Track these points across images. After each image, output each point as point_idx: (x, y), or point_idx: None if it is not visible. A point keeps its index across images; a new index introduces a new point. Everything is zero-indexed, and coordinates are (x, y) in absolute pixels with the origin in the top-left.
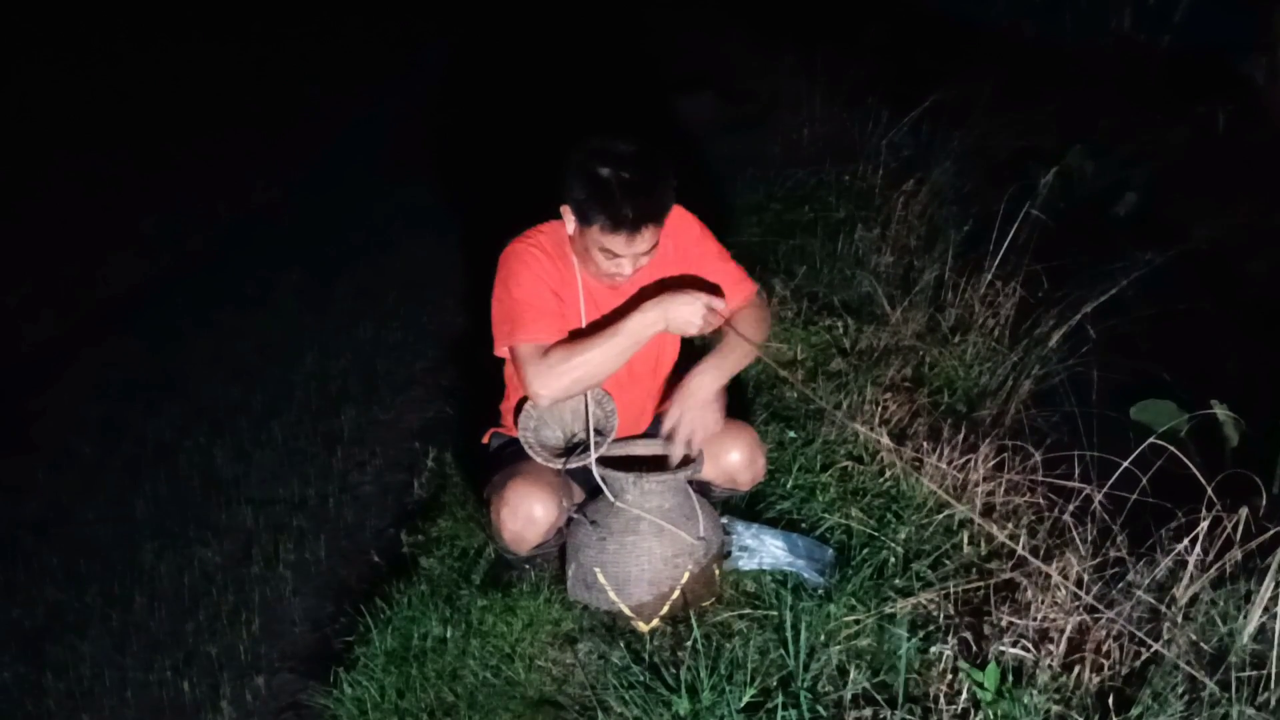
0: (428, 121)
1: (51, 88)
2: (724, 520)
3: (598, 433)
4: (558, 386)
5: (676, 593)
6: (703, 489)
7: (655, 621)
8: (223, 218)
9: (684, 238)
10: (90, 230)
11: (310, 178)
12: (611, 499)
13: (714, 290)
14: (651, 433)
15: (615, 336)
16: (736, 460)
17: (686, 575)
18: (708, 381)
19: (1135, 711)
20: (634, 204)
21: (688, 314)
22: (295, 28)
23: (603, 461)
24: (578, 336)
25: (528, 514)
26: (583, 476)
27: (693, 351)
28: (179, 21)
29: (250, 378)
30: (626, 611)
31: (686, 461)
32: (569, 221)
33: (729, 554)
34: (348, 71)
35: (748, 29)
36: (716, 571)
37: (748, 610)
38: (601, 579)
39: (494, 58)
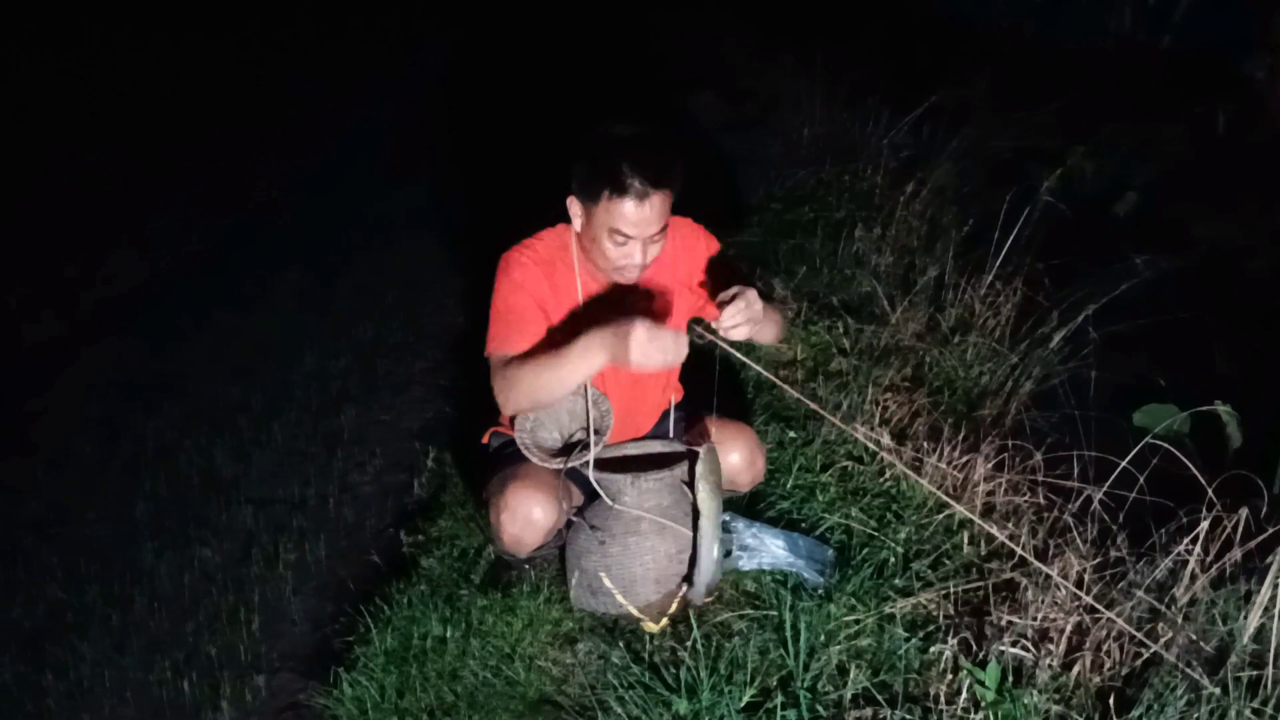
0: (428, 121)
1: (51, 88)
2: (725, 518)
3: (595, 433)
4: (514, 399)
5: (683, 589)
6: None
7: (664, 621)
8: (223, 218)
9: (689, 242)
10: (90, 230)
11: (310, 178)
12: (610, 502)
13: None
14: (649, 435)
15: (558, 359)
16: (736, 461)
17: None
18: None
19: (1135, 712)
20: (640, 167)
21: (635, 355)
22: (295, 28)
23: (597, 464)
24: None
25: (526, 517)
26: (581, 479)
27: (708, 362)
28: (179, 21)
29: (250, 378)
30: (635, 613)
31: (680, 458)
32: (575, 216)
33: (729, 552)
34: (348, 71)
35: (748, 29)
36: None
37: (748, 610)
38: (607, 583)
39: (494, 58)
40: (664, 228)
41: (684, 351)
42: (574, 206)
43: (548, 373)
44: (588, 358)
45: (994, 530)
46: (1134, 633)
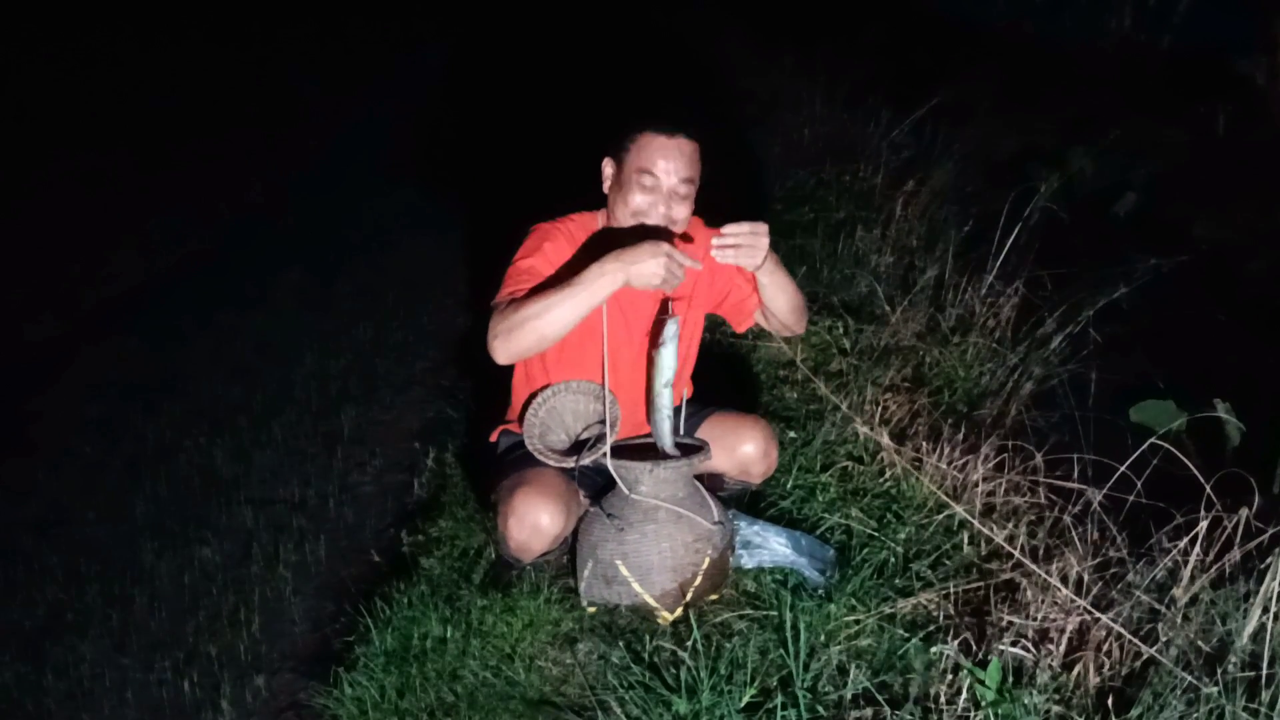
0: (428, 122)
1: (51, 88)
2: (729, 513)
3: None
4: (511, 338)
5: (699, 579)
6: (715, 482)
7: (679, 611)
8: (223, 218)
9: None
10: (91, 230)
11: (310, 178)
12: (626, 491)
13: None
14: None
15: (571, 287)
16: (750, 452)
17: (707, 561)
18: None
19: (1135, 712)
20: (672, 111)
21: (651, 267)
22: (295, 28)
23: (612, 454)
24: (596, 335)
25: (534, 524)
26: (589, 482)
27: (711, 364)
28: (179, 22)
29: (250, 378)
30: (651, 602)
31: (695, 449)
32: (606, 179)
33: (732, 549)
34: (348, 72)
35: (748, 29)
36: (730, 558)
37: (748, 610)
38: (624, 571)
39: (494, 59)
40: (690, 187)
41: (680, 274)
42: (607, 168)
43: (557, 303)
44: (600, 283)
45: (990, 532)
46: (1130, 636)
